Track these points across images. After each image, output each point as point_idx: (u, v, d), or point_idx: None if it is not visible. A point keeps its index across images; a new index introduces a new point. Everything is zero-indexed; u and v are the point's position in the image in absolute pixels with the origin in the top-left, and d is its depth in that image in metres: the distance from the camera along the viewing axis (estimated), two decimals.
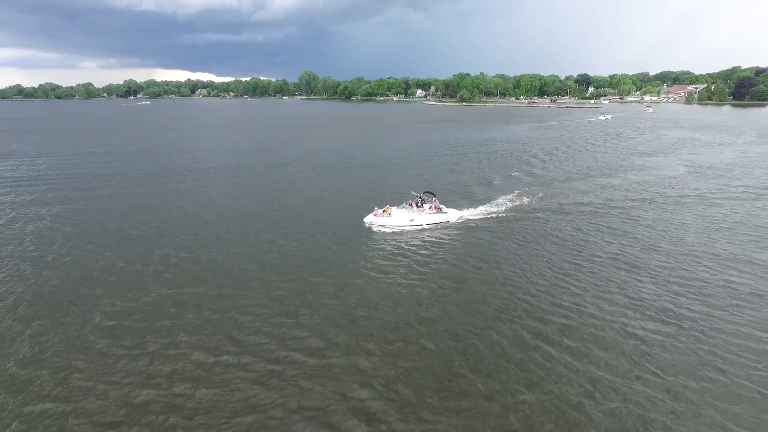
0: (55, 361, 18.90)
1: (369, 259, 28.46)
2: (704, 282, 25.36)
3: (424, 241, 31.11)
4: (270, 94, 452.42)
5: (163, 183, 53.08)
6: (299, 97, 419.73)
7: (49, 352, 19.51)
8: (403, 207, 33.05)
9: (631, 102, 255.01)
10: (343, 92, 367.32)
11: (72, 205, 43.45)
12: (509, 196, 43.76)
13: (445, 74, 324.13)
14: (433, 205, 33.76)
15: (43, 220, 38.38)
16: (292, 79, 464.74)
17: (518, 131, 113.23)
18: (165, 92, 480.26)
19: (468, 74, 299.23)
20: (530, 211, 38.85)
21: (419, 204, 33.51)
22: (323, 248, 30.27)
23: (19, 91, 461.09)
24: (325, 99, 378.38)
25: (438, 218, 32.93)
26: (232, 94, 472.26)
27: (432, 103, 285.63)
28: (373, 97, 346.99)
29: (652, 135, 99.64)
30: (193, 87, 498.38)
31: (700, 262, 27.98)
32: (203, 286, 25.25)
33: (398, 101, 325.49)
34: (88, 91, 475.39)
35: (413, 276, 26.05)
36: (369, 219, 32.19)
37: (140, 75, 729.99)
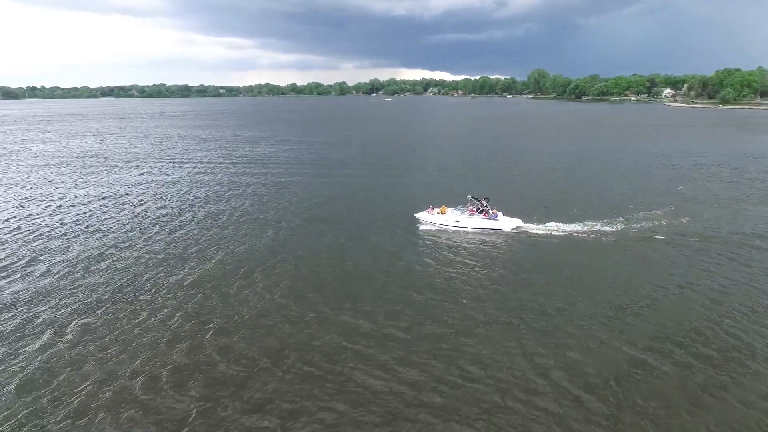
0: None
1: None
2: None
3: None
4: (496, 93, 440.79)
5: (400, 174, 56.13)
6: (525, 96, 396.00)
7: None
8: (458, 209, 33.20)
9: None
10: (573, 91, 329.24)
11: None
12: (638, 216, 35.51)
13: (708, 70, 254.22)
14: (490, 211, 32.82)
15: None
16: (522, 77, 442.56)
17: None
18: (402, 90, 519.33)
19: (738, 69, 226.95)
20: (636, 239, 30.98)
21: (480, 209, 32.81)
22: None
23: (293, 89, 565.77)
24: (553, 98, 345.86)
25: (486, 224, 32.15)
26: (460, 92, 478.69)
27: (678, 104, 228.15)
28: (607, 97, 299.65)
29: None
30: (426, 85, 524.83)
31: None
32: None
33: (636, 102, 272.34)
34: (342, 89, 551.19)
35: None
36: (420, 215, 33.55)
37: (383, 74, 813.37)
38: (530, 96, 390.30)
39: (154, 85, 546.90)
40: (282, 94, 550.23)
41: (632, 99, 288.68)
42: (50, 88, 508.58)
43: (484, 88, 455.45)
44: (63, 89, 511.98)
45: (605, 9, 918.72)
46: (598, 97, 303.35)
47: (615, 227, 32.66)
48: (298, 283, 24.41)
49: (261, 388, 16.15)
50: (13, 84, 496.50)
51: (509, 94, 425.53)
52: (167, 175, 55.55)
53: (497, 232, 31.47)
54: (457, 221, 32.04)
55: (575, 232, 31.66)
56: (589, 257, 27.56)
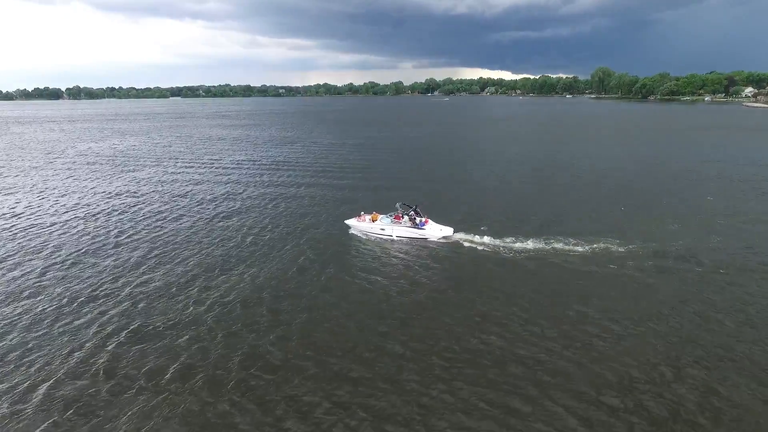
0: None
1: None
2: None
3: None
4: (557, 93, 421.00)
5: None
6: (587, 96, 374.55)
7: None
8: (388, 216, 31.86)
9: None
10: (639, 91, 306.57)
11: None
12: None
13: None
14: (417, 219, 31.21)
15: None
16: (585, 76, 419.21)
17: None
18: (458, 89, 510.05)
19: None
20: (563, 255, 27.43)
21: (411, 216, 31.35)
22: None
23: (349, 88, 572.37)
24: (617, 99, 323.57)
25: (412, 233, 30.79)
26: (518, 92, 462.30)
27: (760, 105, 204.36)
28: (677, 97, 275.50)
29: None
30: (483, 85, 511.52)
31: None
32: None
33: (710, 102, 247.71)
34: (397, 88, 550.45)
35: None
36: (350, 221, 32.76)
37: (442, 74, 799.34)
38: (592, 96, 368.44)
39: (219, 85, 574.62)
40: (338, 93, 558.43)
41: (706, 99, 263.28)
42: (126, 88, 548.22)
43: (543, 87, 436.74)
44: (137, 89, 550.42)
45: (684, 2, 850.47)
46: (667, 97, 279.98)
47: (585, 248, 27.80)
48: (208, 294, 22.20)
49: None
50: (94, 85, 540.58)
51: (570, 94, 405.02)
52: (178, 175, 55.68)
53: (423, 241, 30.02)
54: (383, 229, 30.87)
55: (516, 248, 28.24)
56: (519, 275, 24.61)
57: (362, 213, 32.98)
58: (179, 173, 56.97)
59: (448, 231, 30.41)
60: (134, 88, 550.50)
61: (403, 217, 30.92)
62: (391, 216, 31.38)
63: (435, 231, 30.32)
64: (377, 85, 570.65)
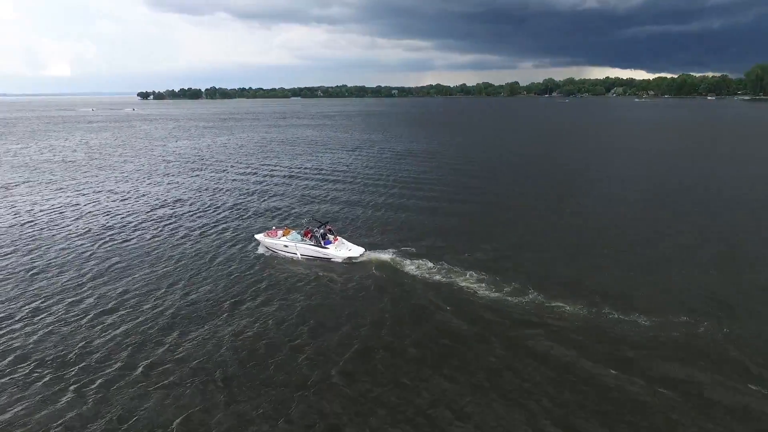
0: None
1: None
2: None
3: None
4: (699, 94, 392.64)
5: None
6: (739, 98, 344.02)
7: None
8: (299, 233, 28.85)
9: None
10: None
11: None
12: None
13: None
14: (324, 237, 27.93)
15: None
16: (737, 74, 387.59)
17: None
18: (579, 90, 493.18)
19: None
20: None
21: (322, 234, 27.95)
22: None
23: (461, 89, 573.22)
24: None
25: (314, 251, 27.56)
26: (650, 93, 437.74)
27: None
28: None
29: None
30: (609, 85, 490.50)
31: None
32: None
33: None
34: (512, 89, 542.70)
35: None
36: (259, 236, 29.61)
37: (566, 73, 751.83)
38: (746, 98, 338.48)
39: (336, 86, 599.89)
40: (450, 94, 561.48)
41: None
42: (255, 89, 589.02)
43: (682, 88, 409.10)
44: (264, 90, 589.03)
45: None
46: None
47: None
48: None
49: None
50: (228, 86, 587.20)
51: (714, 95, 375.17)
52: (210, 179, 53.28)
53: (325, 261, 27.17)
54: (286, 246, 28.15)
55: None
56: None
57: (274, 227, 31.04)
58: (239, 177, 54.54)
59: (356, 252, 27.38)
60: (261, 89, 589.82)
61: (313, 234, 28.20)
62: (300, 232, 28.82)
63: (340, 251, 27.37)
64: (491, 85, 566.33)
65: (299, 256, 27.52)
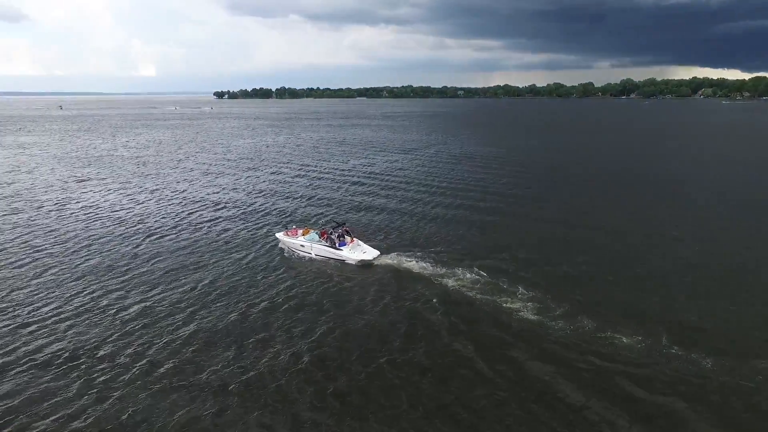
0: None
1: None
2: None
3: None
4: None
5: None
6: None
7: None
8: (316, 232, 28.79)
9: None
10: None
11: None
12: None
13: None
14: (337, 238, 27.28)
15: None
16: None
17: None
18: (661, 92, 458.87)
19: None
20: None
21: (339, 234, 27.50)
22: None
23: (530, 90, 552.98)
24: None
25: (328, 252, 27.02)
26: (746, 94, 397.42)
27: None
28: None
29: None
30: (696, 86, 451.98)
31: None
32: None
33: None
34: (585, 90, 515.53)
35: None
36: (279, 235, 29.81)
37: (646, 74, 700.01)
38: None
39: (402, 86, 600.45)
40: (518, 95, 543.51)
41: None
42: (323, 89, 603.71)
43: None
44: (331, 90, 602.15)
45: None
46: None
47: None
48: None
49: None
50: (297, 86, 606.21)
51: None
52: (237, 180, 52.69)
53: (340, 262, 26.90)
54: (303, 246, 28.23)
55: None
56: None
57: (295, 227, 30.69)
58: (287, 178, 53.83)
59: (370, 254, 26.77)
60: (329, 89, 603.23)
61: (328, 235, 27.84)
62: (318, 232, 28.79)
63: (354, 253, 26.86)
64: (562, 86, 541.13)
65: (314, 256, 27.82)
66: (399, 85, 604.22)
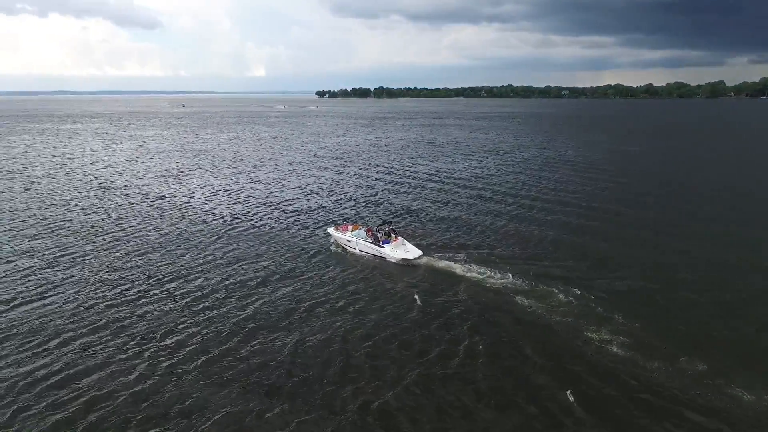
0: None
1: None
2: None
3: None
4: None
5: None
6: None
7: None
8: (363, 229, 28.83)
9: None
10: None
11: None
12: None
13: None
14: (381, 236, 27.55)
15: None
16: None
17: None
18: None
19: None
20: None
21: (386, 231, 27.91)
22: None
23: (646, 90, 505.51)
24: None
25: (372, 249, 27.44)
26: None
27: None
28: None
29: None
30: None
31: None
32: None
33: None
34: (713, 90, 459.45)
35: None
36: (330, 229, 30.49)
37: None
38: None
39: (502, 86, 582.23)
40: (631, 95, 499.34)
41: None
42: (420, 89, 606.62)
43: None
44: (429, 90, 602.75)
45: None
46: None
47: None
48: None
49: None
50: (395, 86, 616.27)
51: None
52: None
53: (382, 260, 26.88)
54: (349, 241, 28.51)
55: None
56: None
57: (345, 222, 31.82)
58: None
59: (413, 254, 26.62)
60: (426, 88, 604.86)
61: (373, 232, 28.15)
62: (365, 228, 29.07)
63: (396, 252, 26.75)
64: (685, 85, 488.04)
65: (358, 251, 28.55)
66: (498, 85, 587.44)
